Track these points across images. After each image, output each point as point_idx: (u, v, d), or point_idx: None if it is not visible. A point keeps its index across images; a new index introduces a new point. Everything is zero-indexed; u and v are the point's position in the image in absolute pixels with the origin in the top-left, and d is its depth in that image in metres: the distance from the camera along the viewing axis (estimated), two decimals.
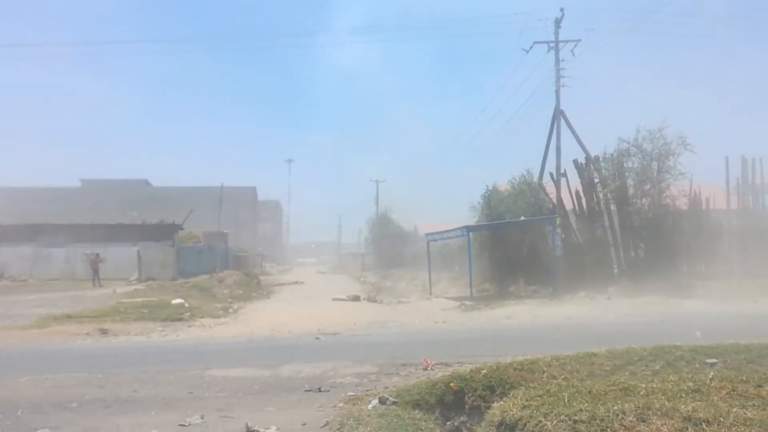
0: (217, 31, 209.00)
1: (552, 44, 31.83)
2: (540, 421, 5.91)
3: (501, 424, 6.50)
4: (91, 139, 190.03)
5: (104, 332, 19.33)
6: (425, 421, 7.68)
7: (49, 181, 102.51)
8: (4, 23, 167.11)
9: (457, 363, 12.06)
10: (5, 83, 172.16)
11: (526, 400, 6.63)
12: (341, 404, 9.04)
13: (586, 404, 6.04)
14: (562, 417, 5.80)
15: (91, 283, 37.92)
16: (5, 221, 53.85)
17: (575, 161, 30.85)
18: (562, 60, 31.60)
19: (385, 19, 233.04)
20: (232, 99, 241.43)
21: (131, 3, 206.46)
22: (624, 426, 5.46)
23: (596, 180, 30.48)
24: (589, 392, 6.69)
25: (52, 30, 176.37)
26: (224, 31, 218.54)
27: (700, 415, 5.51)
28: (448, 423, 8.23)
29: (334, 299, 30.95)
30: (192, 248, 49.33)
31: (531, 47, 32.63)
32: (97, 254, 40.42)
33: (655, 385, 6.91)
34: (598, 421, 5.57)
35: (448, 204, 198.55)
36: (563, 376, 8.38)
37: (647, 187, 29.11)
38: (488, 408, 7.58)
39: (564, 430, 5.65)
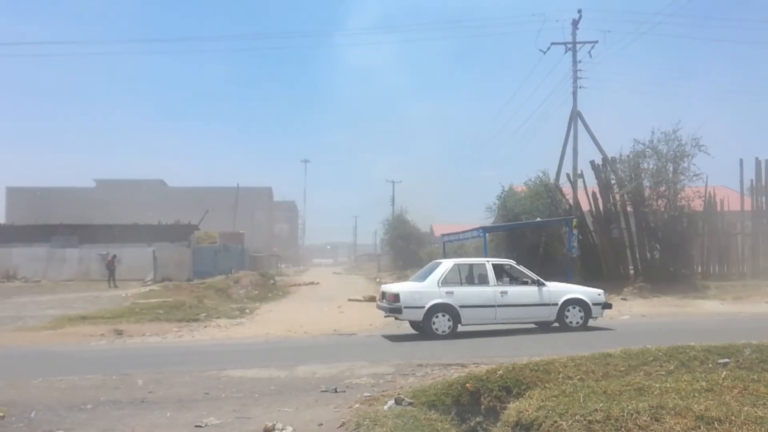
0: (233, 31, 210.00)
1: (569, 45, 31.78)
2: (555, 422, 5.93)
3: (517, 424, 6.53)
4: (106, 139, 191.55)
5: (119, 333, 19.41)
6: (441, 421, 7.69)
7: (64, 182, 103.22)
8: (20, 22, 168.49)
9: (473, 363, 12.07)
10: (19, 83, 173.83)
11: (542, 401, 6.65)
12: (357, 405, 9.05)
13: (601, 404, 6.07)
14: (578, 417, 5.83)
15: (106, 283, 38.07)
16: (19, 222, 54.16)
17: (592, 162, 30.80)
18: (580, 61, 31.58)
19: (400, 18, 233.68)
20: (247, 99, 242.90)
21: (147, 2, 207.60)
22: (638, 425, 5.48)
23: (613, 181, 30.39)
24: (604, 392, 6.72)
25: (68, 29, 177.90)
26: (240, 31, 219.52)
27: (713, 413, 5.54)
28: (464, 423, 8.24)
29: (350, 300, 30.97)
30: (208, 249, 49.55)
31: (548, 48, 32.61)
32: (114, 255, 40.56)
33: (668, 385, 6.94)
34: (612, 421, 5.60)
35: (463, 205, 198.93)
36: (578, 377, 8.40)
37: (663, 188, 29.03)
38: (504, 408, 7.60)
39: (579, 430, 5.68)
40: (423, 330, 17.00)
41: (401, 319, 17.64)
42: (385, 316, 18.20)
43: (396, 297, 16.88)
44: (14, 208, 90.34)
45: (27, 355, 15.89)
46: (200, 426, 8.48)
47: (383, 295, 18.03)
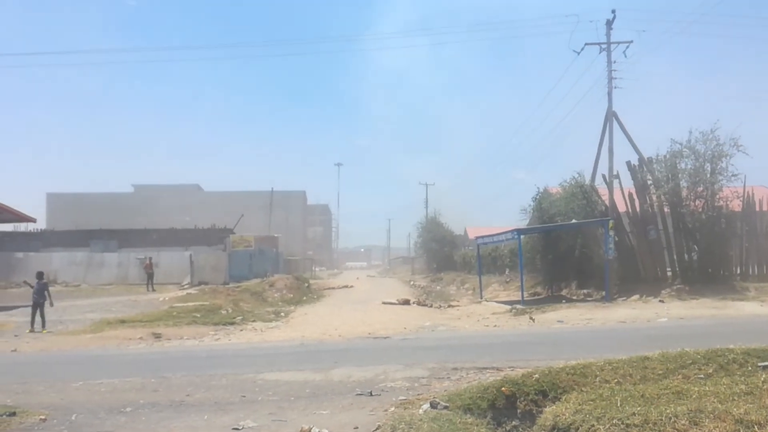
0: (266, 37, 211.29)
1: (603, 46, 31.46)
2: (592, 425, 5.89)
3: (553, 428, 6.49)
4: (144, 145, 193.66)
5: (157, 337, 19.65)
6: (477, 425, 7.66)
7: (103, 187, 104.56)
8: (59, 30, 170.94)
9: (509, 367, 12.02)
10: (58, 91, 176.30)
11: (579, 405, 6.60)
12: (392, 408, 9.05)
13: (638, 408, 6.02)
14: (615, 421, 5.79)
15: (145, 287, 38.43)
16: (59, 227, 54.94)
17: (628, 163, 30.48)
18: (614, 61, 31.24)
19: (433, 21, 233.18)
20: (281, 104, 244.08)
21: (182, 10, 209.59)
22: (676, 429, 5.43)
23: (649, 182, 30.05)
24: (642, 396, 6.65)
25: (105, 37, 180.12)
26: (274, 36, 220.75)
27: (752, 417, 5.48)
28: (500, 427, 8.19)
29: (384, 303, 30.98)
30: (243, 252, 49.82)
31: (582, 49, 32.28)
32: (150, 258, 40.94)
33: (707, 389, 6.86)
34: (650, 425, 5.55)
35: (498, 207, 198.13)
36: (616, 380, 8.32)
37: (700, 189, 28.64)
38: (540, 412, 7.57)
39: None
40: None
41: None
42: None
43: None
44: (54, 213, 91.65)
45: (68, 358, 16.12)
46: (237, 429, 8.55)
47: None
